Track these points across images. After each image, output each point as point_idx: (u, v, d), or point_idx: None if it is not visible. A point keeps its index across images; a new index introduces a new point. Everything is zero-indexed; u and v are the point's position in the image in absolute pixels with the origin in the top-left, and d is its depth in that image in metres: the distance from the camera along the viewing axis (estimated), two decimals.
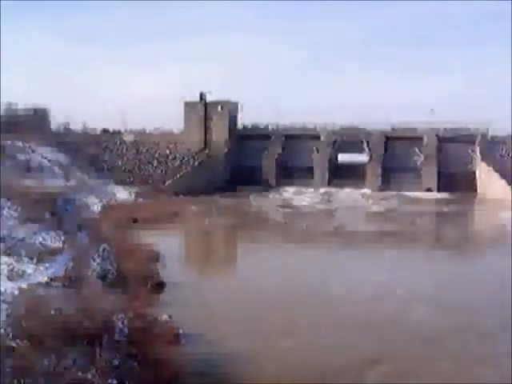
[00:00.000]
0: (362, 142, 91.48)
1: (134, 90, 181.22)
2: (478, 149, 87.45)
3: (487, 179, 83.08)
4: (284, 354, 24.83)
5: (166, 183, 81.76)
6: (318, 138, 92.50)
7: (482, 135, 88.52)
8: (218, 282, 38.09)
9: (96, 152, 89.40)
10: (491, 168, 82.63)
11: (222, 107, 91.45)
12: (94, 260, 34.47)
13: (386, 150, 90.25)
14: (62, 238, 40.89)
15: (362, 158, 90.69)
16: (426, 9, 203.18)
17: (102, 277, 32.23)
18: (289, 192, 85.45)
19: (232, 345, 25.38)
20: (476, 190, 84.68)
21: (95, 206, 61.95)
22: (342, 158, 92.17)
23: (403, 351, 25.22)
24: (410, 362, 24.10)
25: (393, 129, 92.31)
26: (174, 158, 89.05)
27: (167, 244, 46.17)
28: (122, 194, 73.41)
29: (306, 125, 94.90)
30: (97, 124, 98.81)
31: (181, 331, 26.17)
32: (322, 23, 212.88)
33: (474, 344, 26.23)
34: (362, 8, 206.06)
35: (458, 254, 48.75)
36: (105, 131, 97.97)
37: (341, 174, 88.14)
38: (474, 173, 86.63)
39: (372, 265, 41.76)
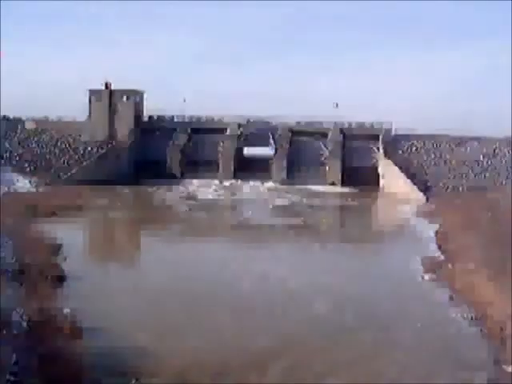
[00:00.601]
0: (268, 135, 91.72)
1: (37, 76, 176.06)
2: (381, 144, 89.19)
3: (389, 174, 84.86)
4: (185, 348, 24.55)
5: (69, 173, 79.88)
6: (224, 130, 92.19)
7: (386, 131, 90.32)
8: (119, 274, 37.46)
9: None
10: (393, 163, 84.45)
11: (127, 97, 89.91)
12: None
13: (291, 143, 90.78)
14: None
15: (267, 151, 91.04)
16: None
17: (1, 270, 31.08)
18: (194, 184, 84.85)
19: (134, 338, 24.95)
20: (378, 185, 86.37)
21: None
22: (248, 151, 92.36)
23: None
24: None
25: (298, 123, 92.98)
26: (78, 148, 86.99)
27: (69, 236, 45.17)
28: (22, 183, 71.27)
29: (213, 117, 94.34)
30: None
31: (81, 324, 25.52)
32: (227, 12, 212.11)
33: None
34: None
35: (359, 248, 49.62)
36: (5, 118, 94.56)
37: (246, 167, 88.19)
38: (377, 168, 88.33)
39: (273, 259, 41.70)
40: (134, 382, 20.78)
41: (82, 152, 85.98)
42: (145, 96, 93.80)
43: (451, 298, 32.76)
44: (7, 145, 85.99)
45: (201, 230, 54.02)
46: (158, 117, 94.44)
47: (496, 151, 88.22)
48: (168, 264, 39.32)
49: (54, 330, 23.65)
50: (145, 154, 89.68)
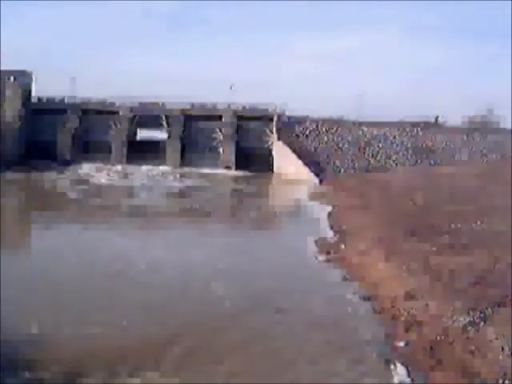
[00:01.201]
0: (162, 118, 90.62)
1: None
2: (274, 128, 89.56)
3: (283, 157, 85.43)
4: (80, 336, 23.91)
5: None
6: (116, 113, 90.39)
7: (279, 115, 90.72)
8: (6, 263, 35.95)
9: None
10: (287, 147, 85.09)
11: (14, 77, 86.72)
12: None
13: (185, 126, 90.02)
14: None
15: (161, 134, 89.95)
16: None
17: None
18: (86, 168, 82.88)
19: (24, 326, 24.13)
20: (273, 168, 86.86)
21: None
22: (141, 134, 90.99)
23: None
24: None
25: (192, 106, 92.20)
26: None
27: None
28: None
29: (105, 99, 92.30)
30: None
31: None
32: None
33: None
34: None
35: (253, 231, 49.88)
36: None
37: (140, 151, 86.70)
38: (271, 151, 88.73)
39: (171, 244, 41.11)
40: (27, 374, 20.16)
41: None
42: (33, 77, 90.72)
43: (344, 278, 33.30)
44: None
45: (93, 217, 52.41)
46: (48, 98, 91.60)
47: (387, 134, 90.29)
48: (57, 252, 38.14)
49: None
50: (34, 136, 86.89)
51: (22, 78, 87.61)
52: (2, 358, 20.92)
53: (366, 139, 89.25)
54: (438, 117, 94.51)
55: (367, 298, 29.47)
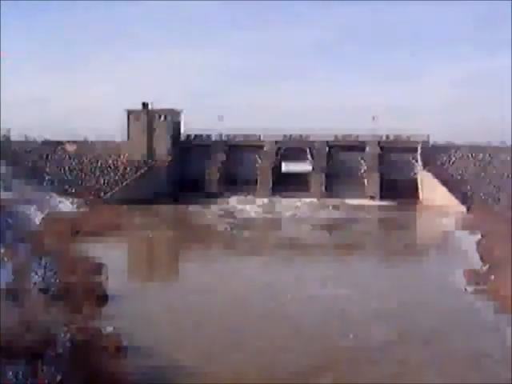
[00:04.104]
0: (306, 150, 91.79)
1: (77, 99, 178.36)
2: (419, 157, 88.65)
3: (429, 186, 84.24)
4: (232, 365, 24.64)
5: (109, 194, 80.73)
6: (261, 147, 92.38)
7: (423, 143, 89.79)
8: (162, 294, 37.52)
9: (37, 162, 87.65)
10: (432, 175, 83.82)
11: (165, 116, 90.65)
12: (36, 273, 33.78)
13: (329, 158, 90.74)
14: (2, 250, 40.01)
15: (305, 166, 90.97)
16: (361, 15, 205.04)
17: (44, 290, 31.59)
18: (232, 201, 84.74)
19: (176, 356, 25.12)
20: (418, 197, 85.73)
21: (36, 217, 60.65)
22: (286, 166, 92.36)
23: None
24: None
25: (336, 137, 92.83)
26: (117, 168, 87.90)
27: (110, 256, 45.48)
28: (65, 205, 72.15)
29: (250, 134, 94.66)
30: (38, 134, 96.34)
31: (125, 343, 25.78)
32: (260, 33, 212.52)
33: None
34: (306, 15, 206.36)
35: (404, 262, 49.43)
36: (46, 141, 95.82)
37: (284, 183, 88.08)
38: (416, 180, 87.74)
39: (328, 278, 40.71)
40: None
41: (121, 172, 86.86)
42: (182, 115, 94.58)
43: (495, 310, 32.44)
44: (49, 168, 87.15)
45: (243, 249, 53.52)
46: (196, 135, 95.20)
47: None
48: (212, 283, 39.25)
49: (98, 349, 23.94)
50: (183, 172, 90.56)
51: (172, 116, 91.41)
52: None
53: None
54: None
55: None
